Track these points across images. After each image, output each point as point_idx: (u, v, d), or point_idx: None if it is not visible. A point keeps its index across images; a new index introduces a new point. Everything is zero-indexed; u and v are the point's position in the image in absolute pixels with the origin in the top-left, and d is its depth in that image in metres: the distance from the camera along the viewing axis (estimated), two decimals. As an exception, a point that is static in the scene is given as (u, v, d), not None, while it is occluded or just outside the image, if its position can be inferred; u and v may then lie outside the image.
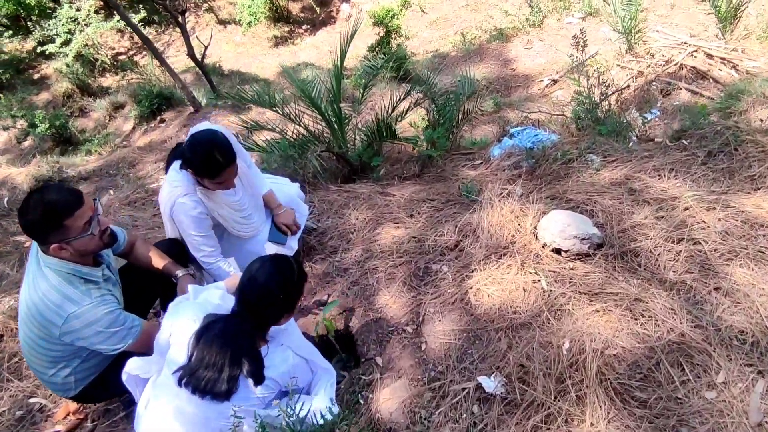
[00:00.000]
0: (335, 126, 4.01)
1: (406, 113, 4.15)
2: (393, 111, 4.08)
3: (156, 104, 8.16)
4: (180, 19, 7.75)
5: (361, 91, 4.27)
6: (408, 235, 3.00)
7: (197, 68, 8.38)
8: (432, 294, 2.55)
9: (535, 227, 2.66)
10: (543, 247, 2.57)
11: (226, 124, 6.13)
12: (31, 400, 2.76)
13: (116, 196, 5.41)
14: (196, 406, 1.76)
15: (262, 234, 2.80)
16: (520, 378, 2.02)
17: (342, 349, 2.54)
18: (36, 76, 11.62)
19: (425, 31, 10.43)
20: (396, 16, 10.08)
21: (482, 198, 3.04)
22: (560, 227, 2.49)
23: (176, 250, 2.64)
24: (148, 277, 2.54)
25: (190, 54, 7.61)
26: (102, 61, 11.05)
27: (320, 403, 1.97)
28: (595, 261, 2.47)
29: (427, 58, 8.69)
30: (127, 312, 2.21)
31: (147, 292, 2.64)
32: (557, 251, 2.53)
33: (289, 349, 1.96)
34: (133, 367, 2.06)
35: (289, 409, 1.74)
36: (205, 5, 13.23)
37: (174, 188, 2.43)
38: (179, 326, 1.87)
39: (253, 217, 2.74)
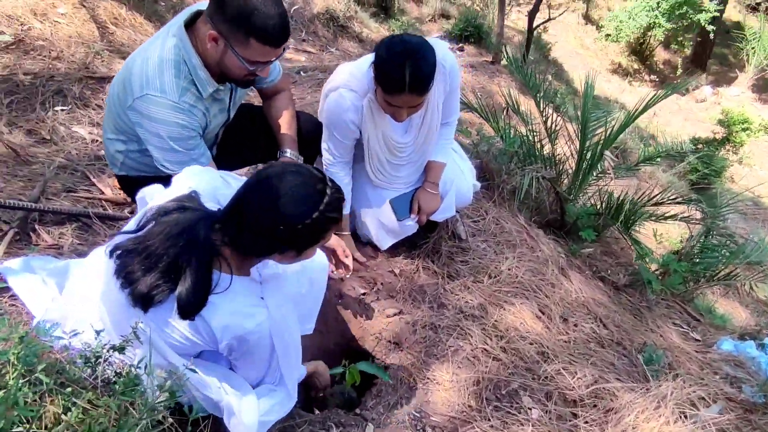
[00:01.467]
0: (581, 167, 3.16)
1: (663, 218, 3.11)
2: (650, 204, 3.08)
3: (469, 32, 7.76)
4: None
5: (641, 158, 3.32)
6: (537, 337, 2.16)
7: (527, 31, 7.73)
8: (493, 429, 1.75)
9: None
10: None
11: (497, 88, 5.51)
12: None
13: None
14: (117, 289, 1.27)
15: (394, 192, 2.18)
16: None
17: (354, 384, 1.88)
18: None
19: (769, 167, 8.49)
20: (748, 131, 8.30)
21: (657, 384, 2.05)
22: None
23: (315, 135, 2.17)
24: (272, 134, 2.12)
25: (531, 13, 6.95)
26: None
27: (246, 414, 1.36)
28: None
29: (745, 195, 7.01)
30: (204, 145, 1.82)
31: (262, 146, 2.23)
32: None
33: (266, 309, 1.32)
34: (149, 192, 1.65)
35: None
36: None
37: (348, 75, 1.91)
38: (178, 187, 1.40)
39: (401, 170, 2.12)
